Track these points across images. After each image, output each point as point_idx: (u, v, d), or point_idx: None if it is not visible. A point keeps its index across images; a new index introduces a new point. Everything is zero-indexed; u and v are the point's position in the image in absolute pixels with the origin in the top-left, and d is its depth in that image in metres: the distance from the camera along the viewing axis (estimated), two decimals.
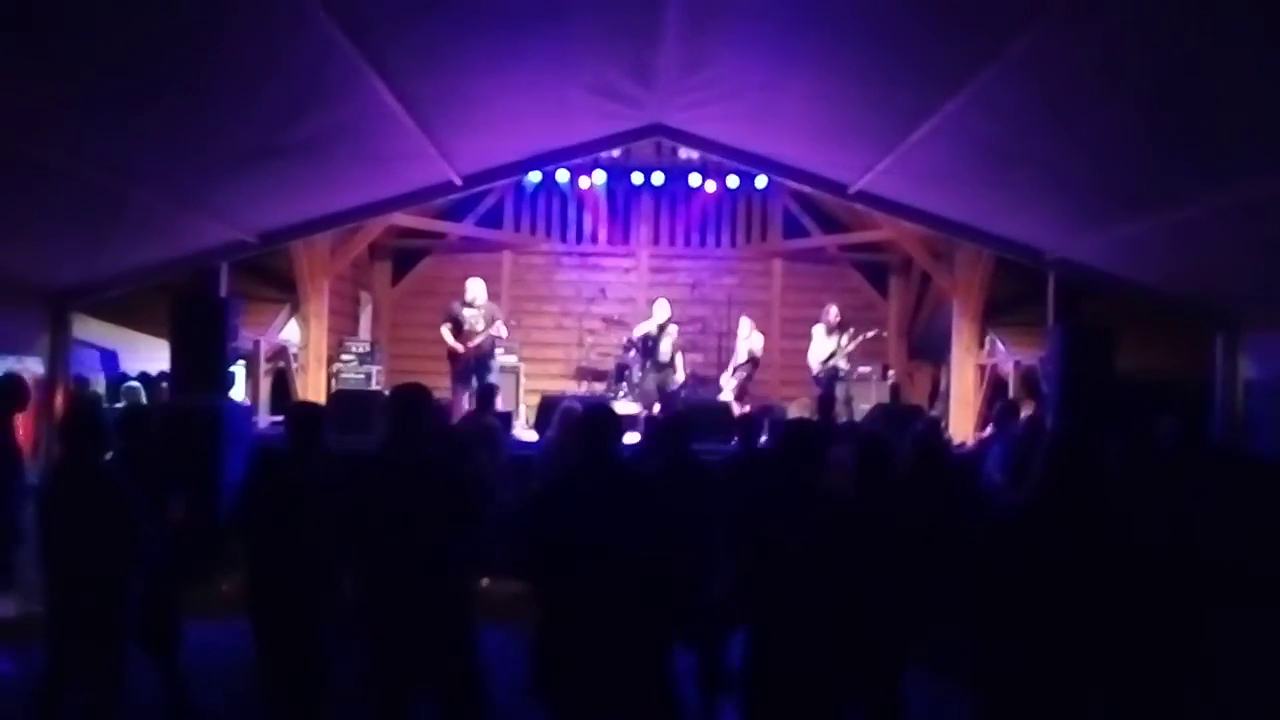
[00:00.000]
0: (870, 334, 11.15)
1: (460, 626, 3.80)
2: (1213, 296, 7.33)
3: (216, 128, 5.19)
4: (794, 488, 3.58)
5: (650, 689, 3.48)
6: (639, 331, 11.32)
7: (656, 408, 10.43)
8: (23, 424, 6.89)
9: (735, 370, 11.52)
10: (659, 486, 4.01)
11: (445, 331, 10.31)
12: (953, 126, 5.46)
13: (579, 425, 3.85)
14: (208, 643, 5.53)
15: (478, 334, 10.24)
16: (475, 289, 10.52)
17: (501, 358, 11.27)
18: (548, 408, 9.05)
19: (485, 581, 6.42)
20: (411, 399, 3.92)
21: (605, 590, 3.38)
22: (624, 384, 11.47)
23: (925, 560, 3.80)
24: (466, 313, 10.33)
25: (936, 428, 7.37)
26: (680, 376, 11.24)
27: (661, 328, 11.08)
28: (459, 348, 10.24)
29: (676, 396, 10.91)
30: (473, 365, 10.26)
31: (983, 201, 7.15)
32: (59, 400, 7.23)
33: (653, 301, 11.77)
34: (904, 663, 4.19)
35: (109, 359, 10.06)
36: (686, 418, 6.59)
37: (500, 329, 10.46)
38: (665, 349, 11.06)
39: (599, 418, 3.71)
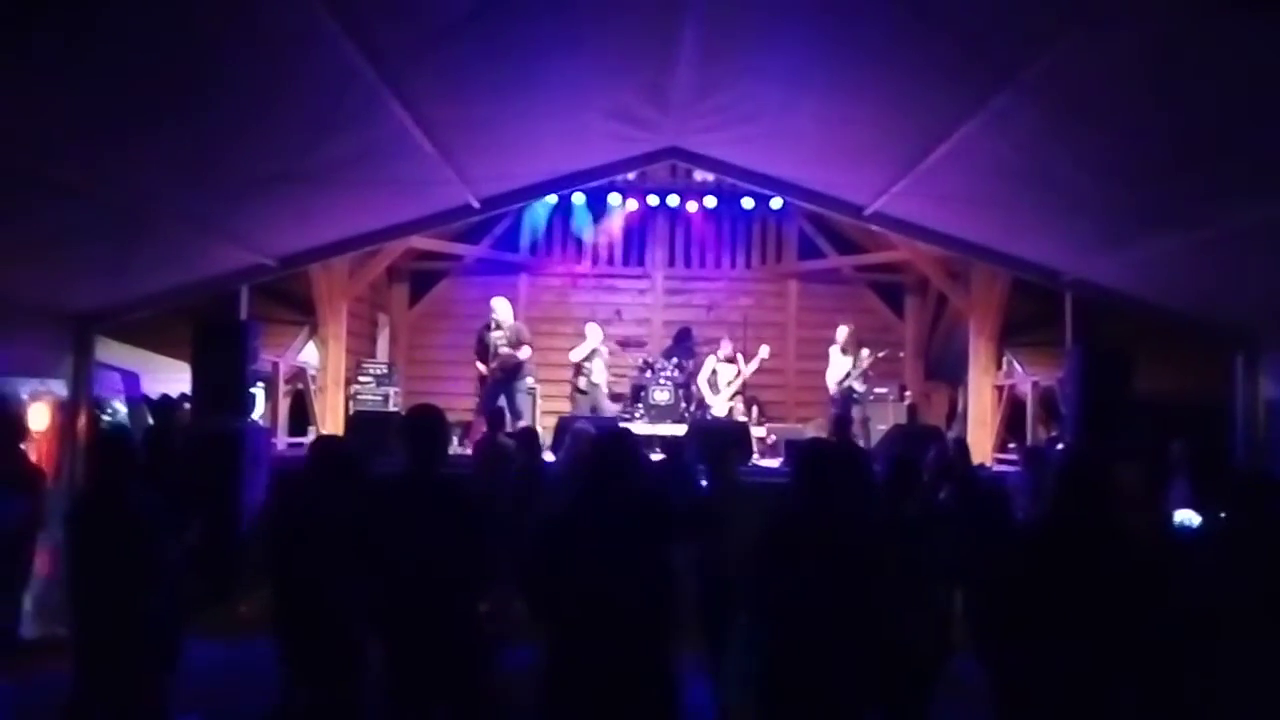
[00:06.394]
0: (882, 353, 11.08)
1: (476, 645, 3.80)
2: (1232, 316, 7.30)
3: (237, 153, 5.26)
4: (816, 507, 3.55)
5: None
6: (576, 355, 11.31)
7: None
8: (43, 447, 6.97)
9: (734, 395, 11.28)
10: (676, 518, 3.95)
11: (478, 361, 10.34)
12: (968, 148, 5.48)
13: (589, 452, 3.78)
14: (225, 662, 5.55)
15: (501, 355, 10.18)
16: (500, 310, 10.46)
17: None
18: (564, 430, 9.06)
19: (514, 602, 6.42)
20: (425, 421, 3.91)
21: (610, 623, 3.37)
22: (640, 405, 11.48)
23: (955, 579, 3.78)
24: (493, 335, 10.28)
25: (965, 449, 7.31)
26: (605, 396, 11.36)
27: (594, 351, 11.17)
28: (483, 370, 10.22)
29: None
30: (499, 385, 10.20)
31: (999, 222, 7.15)
32: (82, 422, 7.30)
33: (668, 323, 11.76)
34: (931, 678, 4.17)
35: (130, 381, 10.14)
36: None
37: (524, 351, 10.30)
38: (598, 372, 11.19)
39: (608, 445, 3.66)
